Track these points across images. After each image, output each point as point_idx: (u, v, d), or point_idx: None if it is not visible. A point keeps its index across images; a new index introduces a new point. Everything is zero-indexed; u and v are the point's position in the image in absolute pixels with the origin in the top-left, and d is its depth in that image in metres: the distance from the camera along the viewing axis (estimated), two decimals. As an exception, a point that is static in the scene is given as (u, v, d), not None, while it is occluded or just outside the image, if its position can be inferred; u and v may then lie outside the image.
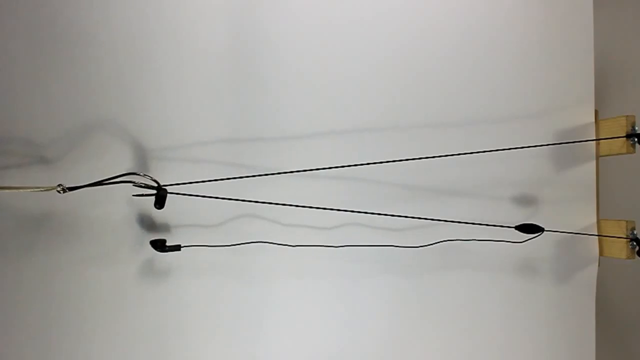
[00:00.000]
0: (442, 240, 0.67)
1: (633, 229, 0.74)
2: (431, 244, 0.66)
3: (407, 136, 0.68)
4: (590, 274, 0.78)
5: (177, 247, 0.55)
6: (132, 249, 0.56)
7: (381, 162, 0.60)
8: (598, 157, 0.78)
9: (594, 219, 0.78)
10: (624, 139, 0.73)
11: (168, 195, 0.50)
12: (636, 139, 0.72)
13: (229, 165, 0.60)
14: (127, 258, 0.56)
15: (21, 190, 0.49)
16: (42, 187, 0.48)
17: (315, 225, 0.63)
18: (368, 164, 0.60)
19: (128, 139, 0.55)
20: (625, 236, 0.74)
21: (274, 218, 0.62)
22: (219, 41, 0.60)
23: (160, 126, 0.57)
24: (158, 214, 0.57)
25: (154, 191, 0.50)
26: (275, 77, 0.62)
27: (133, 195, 0.51)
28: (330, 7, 0.65)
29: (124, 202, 0.56)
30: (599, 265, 0.78)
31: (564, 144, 0.74)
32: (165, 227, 0.58)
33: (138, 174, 0.49)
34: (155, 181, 0.50)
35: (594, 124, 0.77)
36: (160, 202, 0.50)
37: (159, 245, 0.55)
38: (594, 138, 0.77)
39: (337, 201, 0.60)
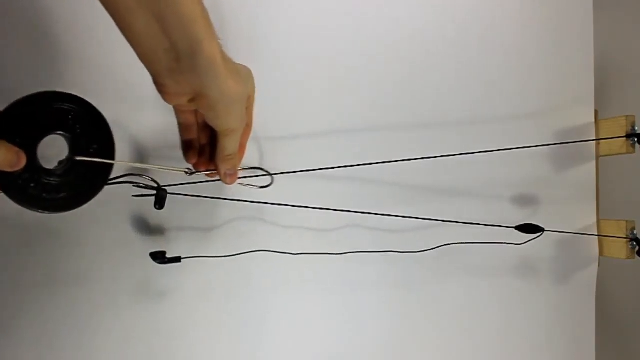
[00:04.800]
0: (443, 244, 0.67)
1: (633, 229, 0.74)
2: (433, 249, 0.66)
3: (406, 136, 0.68)
4: (590, 274, 0.78)
5: (178, 259, 0.55)
6: (131, 252, 0.56)
7: (381, 163, 0.60)
8: (598, 157, 0.78)
9: (594, 219, 0.78)
10: (624, 139, 0.73)
11: (168, 195, 0.50)
12: (636, 139, 0.72)
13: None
14: (127, 266, 0.56)
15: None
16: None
17: (315, 226, 0.63)
18: (368, 164, 0.60)
19: (127, 138, 0.55)
20: (625, 236, 0.74)
21: (273, 221, 0.61)
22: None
23: (159, 125, 0.57)
24: (157, 220, 0.57)
25: (154, 192, 0.50)
26: (275, 76, 0.62)
27: (133, 196, 0.51)
28: (331, 6, 0.65)
29: (124, 203, 0.55)
30: (599, 265, 0.78)
31: (564, 144, 0.74)
32: (165, 229, 0.58)
33: (138, 175, 0.49)
34: (155, 182, 0.50)
35: (594, 124, 0.78)
36: (160, 203, 0.50)
37: (159, 258, 0.54)
38: (594, 138, 0.77)
39: (337, 202, 0.60)
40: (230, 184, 0.50)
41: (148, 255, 0.54)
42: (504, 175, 0.73)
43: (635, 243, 0.73)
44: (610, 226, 0.76)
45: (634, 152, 0.73)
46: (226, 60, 0.41)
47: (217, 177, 0.50)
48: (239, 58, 0.56)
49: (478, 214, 0.70)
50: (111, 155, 0.43)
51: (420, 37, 0.69)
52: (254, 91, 0.48)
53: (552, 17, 0.76)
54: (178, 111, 0.47)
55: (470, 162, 0.67)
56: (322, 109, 0.64)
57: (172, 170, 0.49)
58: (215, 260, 0.57)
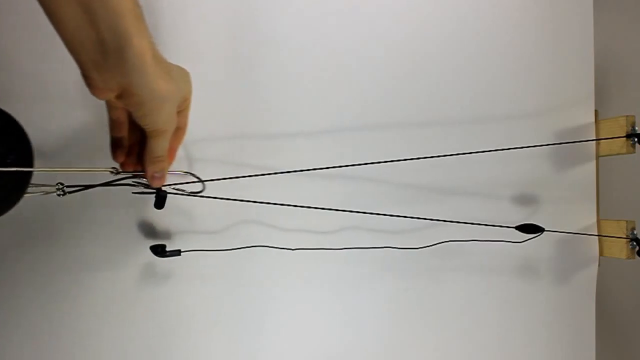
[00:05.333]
0: (442, 241, 0.67)
1: (633, 229, 0.74)
2: (431, 245, 0.66)
3: (406, 136, 0.68)
4: (590, 274, 0.78)
5: (177, 252, 0.55)
6: (132, 251, 0.56)
7: (380, 162, 0.60)
8: (598, 157, 0.78)
9: (594, 219, 0.78)
10: (624, 139, 0.73)
11: (168, 195, 0.50)
12: (636, 139, 0.72)
13: (228, 165, 0.60)
14: (127, 261, 0.56)
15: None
16: (42, 189, 0.47)
17: (314, 226, 0.63)
18: (367, 163, 0.60)
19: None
20: (625, 236, 0.74)
21: (273, 220, 0.61)
22: (219, 39, 0.60)
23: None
24: (157, 216, 0.57)
25: (154, 191, 0.50)
26: (276, 76, 0.62)
27: (133, 193, 0.51)
28: (330, 4, 0.65)
29: (124, 203, 0.55)
30: (599, 266, 0.78)
31: (564, 144, 0.74)
32: (165, 229, 0.58)
33: (138, 174, 0.49)
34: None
35: (594, 124, 0.77)
36: (159, 203, 0.50)
37: (159, 251, 0.54)
38: (594, 138, 0.77)
39: (337, 202, 0.60)
40: (158, 186, 0.49)
41: (148, 248, 0.55)
42: (504, 175, 0.73)
43: (635, 243, 0.73)
44: (610, 226, 0.76)
45: (634, 152, 0.73)
46: (158, 59, 0.40)
47: (145, 179, 0.49)
48: (246, 58, 0.56)
49: (478, 213, 0.70)
50: (30, 163, 0.42)
51: (419, 37, 0.69)
52: (190, 94, 0.47)
53: (552, 17, 0.76)
54: (109, 107, 0.46)
55: (470, 161, 0.67)
56: (320, 108, 0.64)
57: (96, 171, 0.48)
58: (214, 254, 0.58)
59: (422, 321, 0.70)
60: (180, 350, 0.58)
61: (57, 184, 0.47)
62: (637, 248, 0.73)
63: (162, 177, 0.48)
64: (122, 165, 0.49)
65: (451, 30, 0.71)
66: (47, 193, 0.47)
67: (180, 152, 0.58)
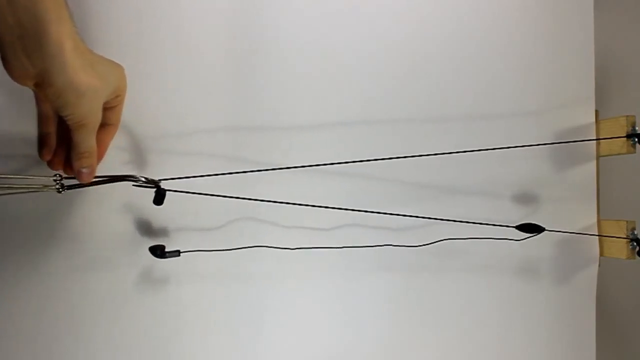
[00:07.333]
0: (442, 239, 0.66)
1: (633, 229, 0.74)
2: (431, 243, 0.66)
3: (406, 135, 0.68)
4: (590, 274, 0.78)
5: (177, 253, 0.55)
6: (131, 250, 0.56)
7: (379, 160, 0.60)
8: (598, 157, 0.78)
9: (594, 219, 0.78)
10: (624, 139, 0.73)
11: (167, 192, 0.50)
12: (636, 139, 0.72)
13: (229, 160, 0.60)
14: (126, 260, 0.56)
15: (16, 193, 0.48)
16: (38, 187, 0.47)
17: (314, 223, 0.63)
18: (366, 160, 0.60)
19: (127, 134, 0.55)
20: (625, 236, 0.74)
21: (272, 217, 0.61)
22: (220, 33, 0.59)
23: (159, 120, 0.56)
24: (156, 213, 0.57)
25: (154, 187, 0.50)
26: (276, 76, 0.62)
27: (133, 185, 0.51)
28: (332, 5, 0.65)
29: (123, 201, 0.55)
30: (599, 266, 0.78)
31: (564, 144, 0.74)
32: (164, 227, 0.58)
33: (137, 176, 0.49)
34: (155, 180, 0.50)
35: (594, 123, 0.77)
36: (158, 200, 0.50)
37: (159, 252, 0.54)
38: (594, 138, 0.77)
39: (337, 200, 0.60)
40: (86, 182, 0.47)
41: (147, 247, 0.55)
42: (504, 174, 0.73)
43: (635, 243, 0.73)
44: (611, 226, 0.76)
45: (634, 152, 0.74)
46: (80, 50, 0.39)
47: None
48: (248, 52, 0.54)
49: (478, 212, 0.70)
50: None
51: (419, 37, 0.69)
52: (123, 90, 0.46)
53: (552, 17, 0.76)
54: (37, 99, 0.45)
55: (471, 160, 0.67)
56: (321, 107, 0.64)
57: (38, 177, 0.47)
58: (214, 254, 0.57)
59: (422, 321, 0.70)
60: (179, 349, 0.58)
61: (56, 183, 0.47)
62: (637, 248, 0.73)
63: (91, 173, 0.47)
64: (49, 163, 0.48)
65: (451, 30, 0.71)
66: (46, 190, 0.47)
67: (182, 147, 0.58)
